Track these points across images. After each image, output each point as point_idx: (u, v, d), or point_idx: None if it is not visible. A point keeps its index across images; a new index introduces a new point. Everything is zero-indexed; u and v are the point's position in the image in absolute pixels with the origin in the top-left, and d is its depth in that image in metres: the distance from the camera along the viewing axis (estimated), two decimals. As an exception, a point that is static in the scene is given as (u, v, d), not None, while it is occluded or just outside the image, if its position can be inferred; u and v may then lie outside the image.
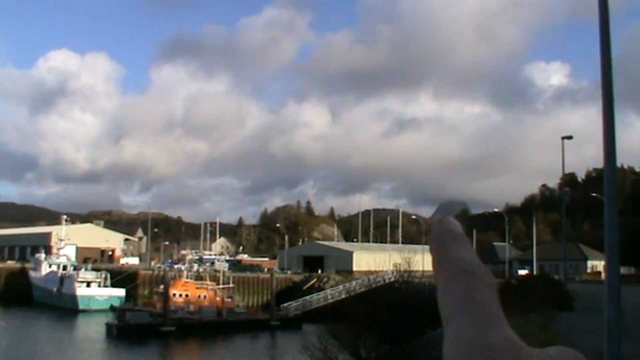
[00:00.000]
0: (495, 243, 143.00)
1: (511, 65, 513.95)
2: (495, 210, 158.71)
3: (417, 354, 28.77)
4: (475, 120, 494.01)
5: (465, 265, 1.35)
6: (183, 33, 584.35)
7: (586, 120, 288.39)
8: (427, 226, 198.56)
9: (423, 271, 50.32)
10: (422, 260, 48.07)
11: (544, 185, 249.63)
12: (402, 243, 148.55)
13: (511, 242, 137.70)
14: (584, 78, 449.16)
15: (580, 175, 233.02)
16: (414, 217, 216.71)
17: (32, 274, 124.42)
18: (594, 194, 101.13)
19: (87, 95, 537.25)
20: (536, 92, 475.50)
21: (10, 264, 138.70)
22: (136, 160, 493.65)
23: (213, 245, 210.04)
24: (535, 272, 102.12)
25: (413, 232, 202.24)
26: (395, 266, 52.88)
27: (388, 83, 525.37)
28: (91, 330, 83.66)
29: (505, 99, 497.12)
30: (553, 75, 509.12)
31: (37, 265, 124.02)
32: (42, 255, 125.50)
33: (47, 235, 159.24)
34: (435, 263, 1.40)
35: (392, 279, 56.80)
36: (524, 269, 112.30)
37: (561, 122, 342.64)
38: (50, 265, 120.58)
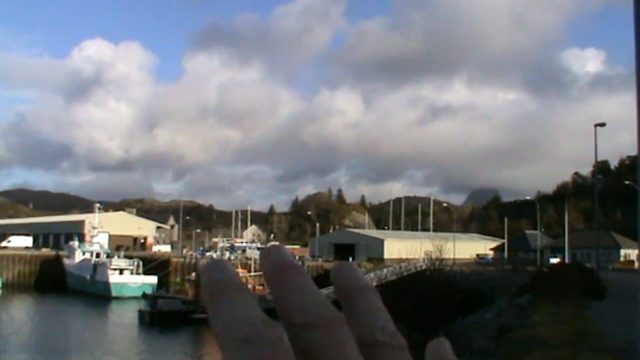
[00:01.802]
0: (526, 231, 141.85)
1: (546, 52, 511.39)
2: (527, 198, 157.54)
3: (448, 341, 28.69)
4: (509, 107, 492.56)
5: (242, 330, 0.96)
6: (217, 22, 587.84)
7: (621, 107, 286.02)
8: (458, 214, 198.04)
9: (454, 259, 50.25)
10: (453, 248, 47.91)
11: (576, 173, 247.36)
12: (433, 231, 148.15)
13: (543, 230, 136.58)
14: (619, 64, 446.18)
15: (614, 163, 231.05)
16: (445, 204, 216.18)
17: (66, 261, 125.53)
18: (627, 182, 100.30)
19: (121, 84, 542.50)
20: (571, 79, 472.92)
21: (45, 251, 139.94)
22: (169, 149, 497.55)
23: (244, 232, 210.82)
24: (567, 261, 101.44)
25: (444, 219, 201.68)
26: (427, 254, 52.81)
27: (421, 70, 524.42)
28: (124, 317, 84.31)
29: (540, 86, 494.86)
30: (588, 61, 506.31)
31: (71, 252, 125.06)
32: (76, 243, 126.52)
33: (81, 223, 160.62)
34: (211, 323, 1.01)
35: (423, 267, 56.77)
36: (555, 257, 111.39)
37: (596, 109, 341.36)
38: (83, 253, 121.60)
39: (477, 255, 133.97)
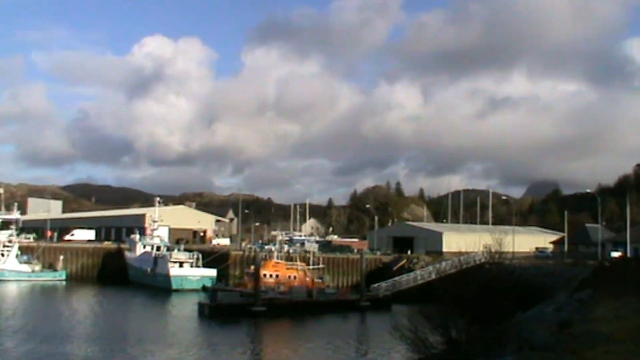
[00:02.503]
0: (587, 224, 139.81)
1: (608, 42, 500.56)
2: (588, 190, 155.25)
3: (507, 336, 28.50)
4: (570, 98, 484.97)
5: None
6: (275, 16, 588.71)
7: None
8: (517, 207, 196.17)
9: (513, 253, 49.80)
10: (512, 242, 47.45)
11: (638, 165, 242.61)
12: (492, 224, 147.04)
13: (604, 223, 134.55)
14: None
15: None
16: (504, 197, 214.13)
17: (127, 254, 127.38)
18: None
19: (181, 80, 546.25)
20: (634, 69, 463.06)
21: (107, 244, 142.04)
22: (228, 143, 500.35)
23: (303, 226, 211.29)
24: (629, 255, 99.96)
25: (503, 212, 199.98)
26: (486, 247, 52.44)
27: (481, 62, 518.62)
28: (183, 310, 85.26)
29: (601, 76, 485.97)
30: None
31: (132, 245, 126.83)
32: (137, 236, 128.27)
33: (142, 217, 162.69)
34: None
35: (482, 260, 56.39)
36: (617, 251, 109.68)
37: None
38: (144, 246, 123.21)
39: (537, 248, 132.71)
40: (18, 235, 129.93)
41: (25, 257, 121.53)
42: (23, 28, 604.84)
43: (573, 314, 32.59)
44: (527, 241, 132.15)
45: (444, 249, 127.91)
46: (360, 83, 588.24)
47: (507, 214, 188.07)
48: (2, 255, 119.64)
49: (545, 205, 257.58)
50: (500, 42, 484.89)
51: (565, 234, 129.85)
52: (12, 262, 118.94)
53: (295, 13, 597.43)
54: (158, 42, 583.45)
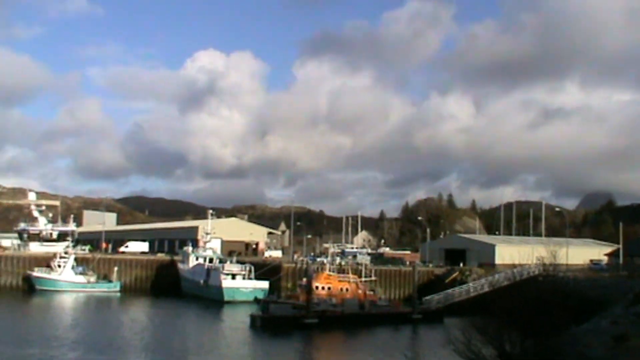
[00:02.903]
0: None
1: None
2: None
3: (562, 349, 28.24)
4: (625, 108, 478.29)
5: None
6: (326, 29, 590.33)
7: None
8: (571, 218, 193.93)
9: (567, 265, 49.27)
10: (566, 254, 46.94)
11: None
12: (545, 236, 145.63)
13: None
14: None
15: None
16: (557, 209, 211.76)
17: (180, 266, 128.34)
18: None
19: (233, 93, 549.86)
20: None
21: (160, 256, 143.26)
22: (280, 156, 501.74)
23: (355, 238, 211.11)
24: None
25: (556, 224, 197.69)
26: (539, 260, 51.98)
27: (533, 73, 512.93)
28: (236, 321, 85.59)
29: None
30: None
31: (185, 257, 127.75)
32: (190, 248, 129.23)
33: (195, 229, 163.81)
34: None
35: (536, 273, 55.90)
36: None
37: None
38: (197, 258, 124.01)
39: (591, 261, 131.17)
40: (74, 247, 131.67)
41: (80, 269, 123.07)
42: (80, 45, 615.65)
43: (629, 328, 32.16)
44: (581, 253, 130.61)
45: (497, 262, 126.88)
46: (411, 95, 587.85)
47: (560, 225, 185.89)
48: (59, 266, 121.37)
49: (599, 217, 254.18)
50: (553, 52, 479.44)
51: (621, 246, 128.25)
52: (68, 273, 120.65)
53: (347, 26, 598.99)
54: (210, 56, 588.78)
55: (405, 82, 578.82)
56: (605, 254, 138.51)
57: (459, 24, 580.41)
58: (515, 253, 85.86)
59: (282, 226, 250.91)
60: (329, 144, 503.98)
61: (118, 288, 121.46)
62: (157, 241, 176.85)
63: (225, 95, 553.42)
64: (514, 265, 77.44)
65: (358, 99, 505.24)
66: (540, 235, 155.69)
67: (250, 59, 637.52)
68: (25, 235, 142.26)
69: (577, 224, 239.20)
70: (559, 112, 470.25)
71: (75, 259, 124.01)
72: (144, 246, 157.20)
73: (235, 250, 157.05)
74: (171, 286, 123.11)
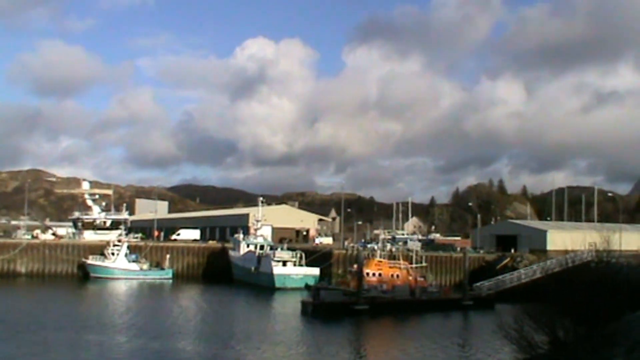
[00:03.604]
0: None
1: None
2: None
3: (616, 337, 27.88)
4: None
5: None
6: (376, 15, 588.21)
7: None
8: (624, 204, 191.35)
9: (621, 251, 48.62)
10: (619, 240, 46.26)
11: None
12: (598, 222, 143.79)
13: None
14: None
15: None
16: (610, 194, 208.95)
17: (231, 253, 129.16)
18: None
19: (283, 81, 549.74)
20: None
21: (212, 243, 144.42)
22: (330, 142, 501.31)
23: (405, 224, 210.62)
24: None
25: (609, 210, 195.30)
26: (591, 245, 51.46)
27: (585, 56, 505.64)
28: (287, 308, 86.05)
29: None
30: None
31: (236, 245, 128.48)
32: (241, 236, 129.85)
33: (245, 217, 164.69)
34: None
35: (589, 259, 55.24)
36: None
37: None
38: (248, 245, 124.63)
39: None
40: (127, 234, 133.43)
41: (133, 256, 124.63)
42: (130, 35, 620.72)
43: (686, 315, 31.66)
44: (635, 239, 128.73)
45: (549, 247, 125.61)
46: (461, 80, 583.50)
47: (613, 211, 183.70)
48: (113, 254, 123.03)
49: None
50: (605, 34, 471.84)
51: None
52: (121, 261, 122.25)
53: (396, 11, 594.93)
54: (260, 44, 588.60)
55: (455, 68, 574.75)
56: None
57: (508, 8, 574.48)
58: (567, 239, 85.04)
59: (333, 213, 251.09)
60: (378, 130, 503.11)
61: (170, 275, 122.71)
62: (208, 229, 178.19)
63: (275, 82, 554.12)
64: (566, 251, 76.53)
65: (407, 84, 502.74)
66: (592, 220, 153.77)
67: (300, 46, 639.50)
68: (79, 224, 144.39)
69: (630, 210, 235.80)
70: (611, 95, 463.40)
71: (128, 247, 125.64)
72: (195, 234, 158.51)
73: (285, 237, 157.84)
74: (222, 273, 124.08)
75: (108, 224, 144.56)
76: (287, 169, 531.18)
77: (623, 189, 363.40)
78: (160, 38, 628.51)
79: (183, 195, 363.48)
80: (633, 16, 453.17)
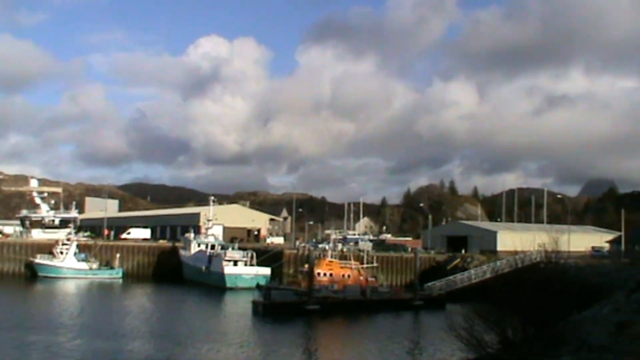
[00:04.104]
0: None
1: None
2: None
3: (564, 336, 28.25)
4: (629, 95, 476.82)
5: None
6: (330, 15, 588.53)
7: None
8: (572, 206, 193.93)
9: (569, 252, 49.26)
10: (567, 241, 46.84)
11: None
12: (547, 223, 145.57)
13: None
14: None
15: None
16: (559, 196, 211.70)
17: (182, 252, 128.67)
18: None
19: (236, 80, 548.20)
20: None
21: (162, 243, 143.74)
22: (283, 142, 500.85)
23: (357, 225, 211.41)
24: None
25: (558, 211, 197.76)
26: (541, 246, 51.96)
27: (538, 59, 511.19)
28: (238, 308, 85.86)
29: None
30: None
31: (187, 244, 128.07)
32: (192, 235, 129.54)
33: (196, 216, 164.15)
34: None
35: (538, 260, 55.85)
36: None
37: None
38: (199, 245, 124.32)
39: (593, 248, 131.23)
40: (76, 233, 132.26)
41: (83, 255, 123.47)
42: (82, 31, 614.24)
43: (631, 315, 32.16)
44: (583, 240, 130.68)
45: (499, 248, 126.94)
46: (415, 81, 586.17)
47: (562, 212, 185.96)
48: (61, 253, 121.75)
49: (601, 204, 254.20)
50: (558, 39, 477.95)
51: (622, 233, 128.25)
52: (70, 260, 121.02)
53: (351, 12, 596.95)
54: (213, 42, 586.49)
55: (408, 69, 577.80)
56: (607, 241, 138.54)
57: (463, 10, 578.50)
58: (517, 240, 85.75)
59: (284, 213, 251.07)
60: (331, 130, 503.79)
61: (120, 275, 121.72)
62: (159, 228, 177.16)
63: (228, 81, 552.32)
64: (515, 252, 77.25)
65: (361, 85, 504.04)
66: (542, 222, 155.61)
67: (253, 45, 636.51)
68: (27, 222, 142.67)
69: (578, 211, 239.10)
70: (562, 99, 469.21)
71: (78, 246, 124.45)
72: (146, 233, 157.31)
73: (237, 237, 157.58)
74: (173, 273, 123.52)
75: (57, 222, 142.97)
76: (239, 168, 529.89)
77: (572, 191, 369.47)
78: (112, 34, 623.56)
79: (134, 194, 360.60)
80: (585, 21, 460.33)
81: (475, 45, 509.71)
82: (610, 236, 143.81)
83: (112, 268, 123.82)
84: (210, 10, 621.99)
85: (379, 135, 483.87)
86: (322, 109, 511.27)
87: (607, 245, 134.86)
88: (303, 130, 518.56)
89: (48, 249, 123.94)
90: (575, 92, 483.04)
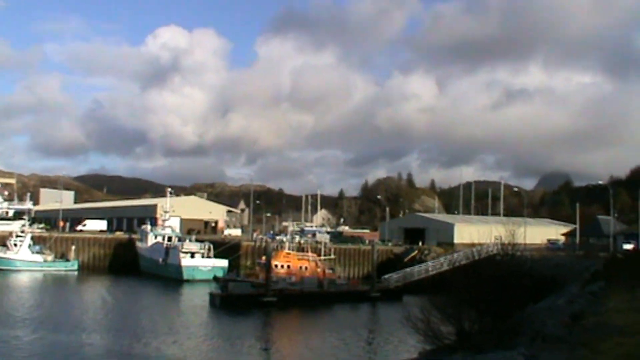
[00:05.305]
0: (599, 216, 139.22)
1: (625, 33, 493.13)
2: (600, 182, 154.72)
3: (520, 327, 28.50)
4: (585, 90, 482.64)
5: None
6: (291, 7, 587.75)
7: None
8: (529, 198, 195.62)
9: (525, 244, 49.64)
10: (523, 233, 47.22)
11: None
12: (504, 215, 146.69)
13: (616, 215, 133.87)
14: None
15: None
16: (516, 189, 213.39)
17: (138, 244, 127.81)
18: None
19: (195, 71, 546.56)
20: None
21: (118, 234, 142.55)
22: (241, 134, 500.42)
23: (314, 217, 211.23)
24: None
25: (515, 204, 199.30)
26: (497, 239, 52.34)
27: (497, 54, 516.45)
28: (195, 300, 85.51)
29: (618, 68, 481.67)
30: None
31: (144, 236, 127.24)
32: (148, 227, 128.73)
33: (153, 208, 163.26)
34: None
35: (494, 252, 56.25)
36: (629, 243, 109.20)
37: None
38: (155, 237, 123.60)
39: (548, 240, 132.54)
40: (30, 225, 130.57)
41: (37, 248, 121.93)
42: (38, 20, 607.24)
43: (585, 306, 32.50)
44: (539, 233, 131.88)
45: (456, 241, 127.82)
46: (374, 74, 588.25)
47: (518, 205, 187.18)
48: (15, 245, 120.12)
49: (557, 197, 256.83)
50: (517, 33, 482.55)
51: (577, 226, 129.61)
52: (24, 252, 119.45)
53: (312, 4, 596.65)
54: (172, 32, 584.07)
55: (368, 62, 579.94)
56: (562, 234, 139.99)
57: (424, 4, 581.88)
58: (474, 232, 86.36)
59: (242, 204, 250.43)
60: (290, 122, 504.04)
61: (75, 267, 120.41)
62: (115, 220, 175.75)
63: (187, 72, 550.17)
64: (472, 245, 77.75)
65: (321, 77, 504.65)
66: (498, 214, 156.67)
67: (213, 36, 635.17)
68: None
69: (535, 204, 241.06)
70: (521, 93, 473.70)
71: (32, 238, 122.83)
72: (102, 225, 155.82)
73: (194, 229, 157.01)
74: (129, 265, 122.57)
75: (10, 214, 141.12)
76: (197, 159, 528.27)
77: (529, 184, 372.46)
78: (69, 23, 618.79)
79: (90, 185, 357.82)
80: (544, 16, 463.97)
81: (436, 39, 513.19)
82: (565, 229, 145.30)
83: (67, 260, 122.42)
84: (170, 0, 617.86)
85: (338, 127, 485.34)
86: (282, 100, 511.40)
87: (562, 238, 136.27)
88: (262, 122, 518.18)
89: (1, 241, 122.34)
90: (534, 86, 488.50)
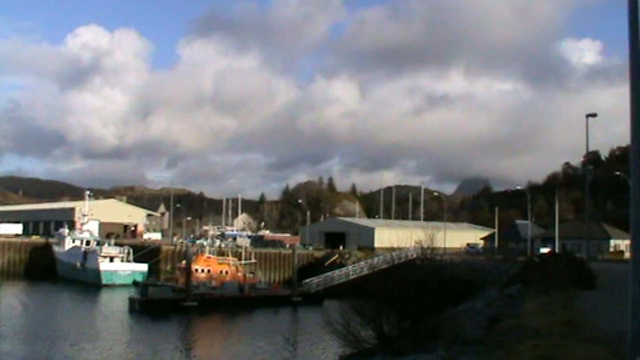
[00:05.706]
0: (517, 221, 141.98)
1: (544, 43, 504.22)
2: (518, 187, 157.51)
3: (439, 330, 28.79)
4: (506, 97, 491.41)
5: None
6: (214, 9, 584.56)
7: (619, 98, 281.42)
8: (449, 203, 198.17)
9: (445, 248, 50.19)
10: (443, 238, 47.78)
11: (566, 163, 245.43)
12: (424, 220, 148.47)
13: (533, 220, 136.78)
14: (617, 56, 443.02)
15: (604, 154, 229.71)
16: (436, 194, 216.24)
17: (55, 248, 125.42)
18: (617, 173, 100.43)
19: (116, 72, 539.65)
20: (569, 70, 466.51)
21: (35, 238, 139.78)
22: (163, 137, 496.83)
23: (235, 221, 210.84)
24: (557, 251, 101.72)
25: (435, 209, 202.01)
26: (417, 243, 52.80)
27: (420, 60, 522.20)
28: (114, 305, 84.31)
29: (537, 76, 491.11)
30: (586, 53, 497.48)
31: (61, 240, 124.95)
32: (66, 230, 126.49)
33: (71, 211, 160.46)
34: None
35: (414, 256, 56.79)
36: (546, 247, 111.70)
37: (593, 100, 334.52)
38: (73, 240, 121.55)
39: (468, 244, 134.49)
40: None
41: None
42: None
43: (503, 309, 33.07)
44: (459, 237, 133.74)
45: (376, 245, 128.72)
46: (298, 78, 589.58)
47: (438, 210, 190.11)
48: None
49: (476, 202, 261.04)
50: (440, 40, 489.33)
51: (496, 230, 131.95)
52: None
53: (235, 6, 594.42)
54: (93, 32, 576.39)
55: (292, 65, 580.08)
56: (481, 238, 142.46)
57: (348, 9, 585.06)
58: (394, 236, 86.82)
59: (162, 208, 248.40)
60: (212, 125, 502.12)
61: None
62: (31, 223, 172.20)
63: (108, 73, 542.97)
64: (392, 249, 78.07)
65: (244, 80, 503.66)
66: (419, 219, 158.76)
67: (135, 36, 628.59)
68: None
69: (455, 209, 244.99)
70: (442, 99, 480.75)
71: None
72: (17, 228, 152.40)
73: (113, 233, 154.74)
74: (46, 270, 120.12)
75: None
76: (117, 162, 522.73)
77: (449, 189, 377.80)
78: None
79: (5, 188, 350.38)
80: (466, 24, 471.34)
81: (359, 44, 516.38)
82: (484, 233, 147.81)
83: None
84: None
85: (260, 131, 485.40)
86: (204, 103, 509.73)
87: (481, 242, 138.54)
88: (183, 125, 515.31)
89: None
90: (455, 93, 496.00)
